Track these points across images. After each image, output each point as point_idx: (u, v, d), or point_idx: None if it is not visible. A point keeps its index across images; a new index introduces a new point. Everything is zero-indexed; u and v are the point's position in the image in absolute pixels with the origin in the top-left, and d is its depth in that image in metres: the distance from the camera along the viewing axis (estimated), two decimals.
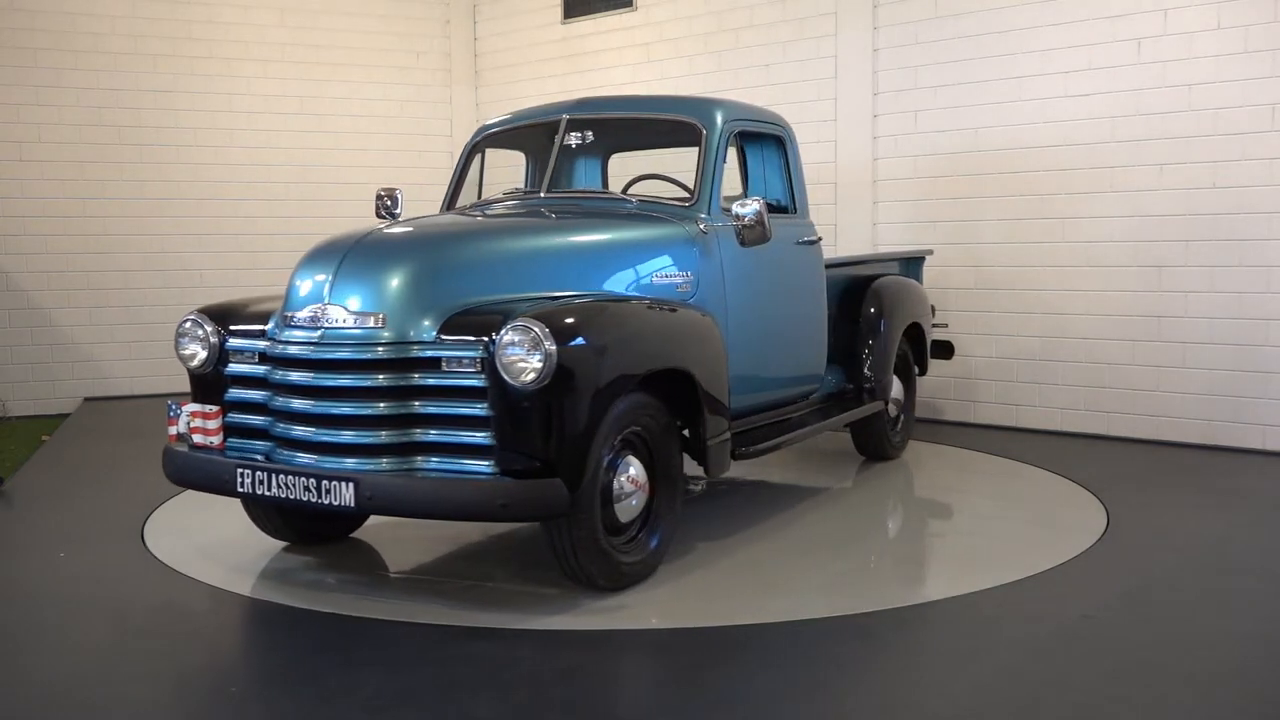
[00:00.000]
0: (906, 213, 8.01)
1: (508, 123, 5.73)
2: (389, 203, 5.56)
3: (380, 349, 3.86)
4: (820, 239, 5.77)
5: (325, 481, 3.85)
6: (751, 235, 4.86)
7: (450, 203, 5.68)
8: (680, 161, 5.81)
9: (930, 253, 7.39)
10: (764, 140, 5.78)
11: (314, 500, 3.87)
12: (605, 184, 5.97)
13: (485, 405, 3.81)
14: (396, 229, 4.37)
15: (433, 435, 3.89)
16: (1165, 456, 6.65)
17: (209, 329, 4.37)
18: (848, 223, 8.24)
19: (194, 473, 4.29)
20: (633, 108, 5.58)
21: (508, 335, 3.73)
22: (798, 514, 5.45)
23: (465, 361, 3.82)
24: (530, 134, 5.58)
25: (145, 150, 9.41)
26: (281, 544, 4.92)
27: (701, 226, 4.90)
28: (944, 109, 7.75)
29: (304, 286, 4.06)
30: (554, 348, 3.69)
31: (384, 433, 3.88)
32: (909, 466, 6.51)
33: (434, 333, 3.87)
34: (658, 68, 9.29)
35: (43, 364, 9.15)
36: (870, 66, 8.06)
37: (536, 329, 3.70)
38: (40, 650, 3.78)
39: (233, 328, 4.36)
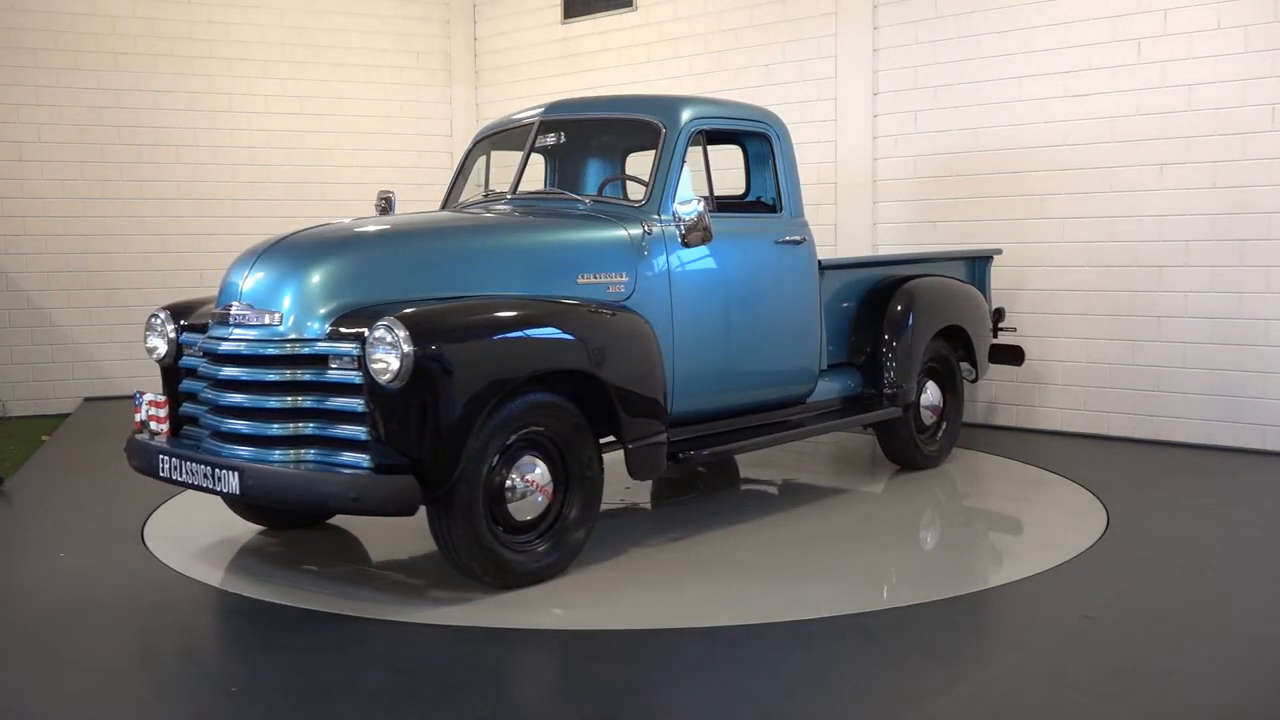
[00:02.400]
0: (906, 213, 8.01)
1: (499, 126, 5.78)
2: (384, 205, 5.76)
3: (275, 345, 4.07)
4: (803, 239, 5.56)
5: (216, 469, 4.07)
6: (693, 236, 4.77)
7: (445, 202, 5.77)
8: (724, 159, 5.84)
9: (999, 251, 7.13)
10: (754, 139, 5.71)
11: (210, 486, 4.11)
12: (624, 184, 5.93)
13: (363, 402, 3.94)
14: (314, 230, 4.50)
15: (317, 429, 4.05)
16: (1165, 456, 6.65)
17: (169, 324, 4.64)
18: (848, 223, 8.24)
19: (140, 459, 4.54)
20: (600, 108, 5.56)
21: (374, 335, 3.85)
22: (806, 514, 5.45)
23: (346, 359, 3.97)
24: (523, 135, 5.58)
25: (145, 150, 9.41)
26: (285, 548, 4.93)
27: (647, 228, 4.84)
28: (944, 109, 7.75)
29: (227, 285, 4.31)
30: (410, 349, 3.78)
31: (276, 425, 4.06)
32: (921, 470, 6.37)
33: (323, 331, 4.04)
34: (658, 68, 9.29)
35: (43, 364, 9.15)
36: (870, 66, 8.06)
37: (395, 330, 3.80)
38: (40, 650, 3.78)
39: (184, 323, 4.62)
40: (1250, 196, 6.57)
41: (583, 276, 4.60)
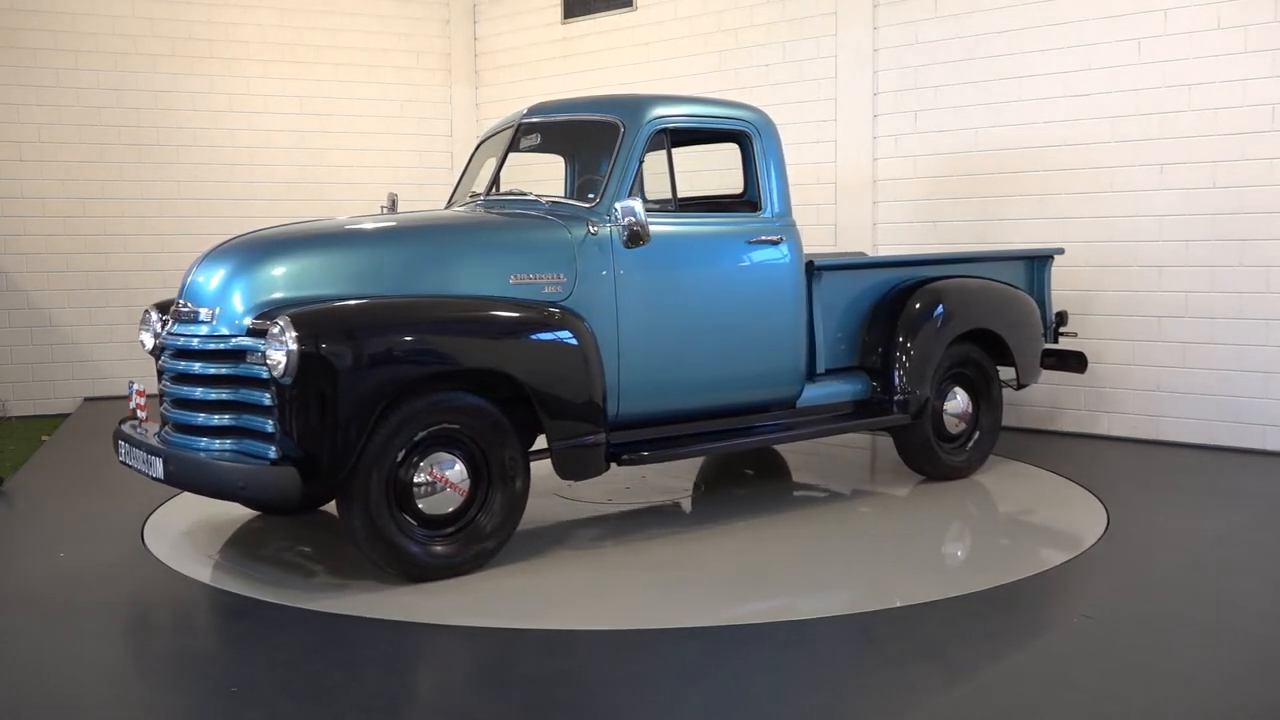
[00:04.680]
0: (906, 213, 8.01)
1: (501, 126, 5.80)
2: (389, 205, 5.85)
3: (215, 341, 4.28)
4: (782, 239, 5.39)
5: (149, 456, 4.35)
6: (629, 238, 4.72)
7: (448, 203, 5.82)
8: (726, 159, 5.83)
9: (1060, 251, 6.76)
10: (734, 138, 5.59)
11: (147, 472, 4.38)
12: (641, 184, 5.87)
13: (269, 395, 4.11)
14: (261, 232, 4.66)
15: (234, 420, 4.26)
16: (1165, 456, 6.65)
17: (156, 320, 4.81)
18: (847, 222, 8.24)
19: (116, 445, 4.77)
20: (572, 110, 5.54)
21: (270, 332, 4.02)
22: (811, 515, 5.45)
23: (258, 355, 4.14)
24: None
25: (145, 150, 9.41)
26: (285, 547, 4.94)
27: (592, 228, 4.81)
28: (944, 109, 7.75)
29: (182, 283, 4.56)
30: (295, 347, 3.94)
31: (214, 417, 4.29)
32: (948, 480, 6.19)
33: (243, 328, 4.23)
34: (658, 68, 9.29)
35: (43, 364, 9.15)
36: (870, 66, 8.06)
37: (286, 328, 3.95)
38: (40, 650, 3.78)
39: (165, 318, 4.76)
40: (1250, 196, 6.57)
41: (515, 277, 4.62)
